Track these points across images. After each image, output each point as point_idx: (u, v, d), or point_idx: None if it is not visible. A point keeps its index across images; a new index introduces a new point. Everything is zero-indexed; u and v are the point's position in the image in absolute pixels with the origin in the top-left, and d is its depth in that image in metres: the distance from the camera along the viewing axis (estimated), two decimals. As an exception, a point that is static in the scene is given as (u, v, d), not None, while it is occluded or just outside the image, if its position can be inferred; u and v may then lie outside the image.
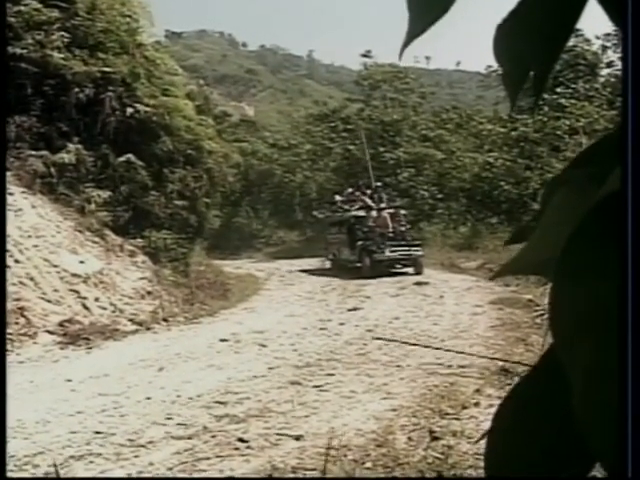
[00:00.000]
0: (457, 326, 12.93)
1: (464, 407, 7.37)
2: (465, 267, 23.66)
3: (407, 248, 23.46)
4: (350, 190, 28.47)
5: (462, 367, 9.43)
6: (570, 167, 0.83)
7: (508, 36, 0.87)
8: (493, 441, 0.82)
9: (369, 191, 27.91)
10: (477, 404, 7.49)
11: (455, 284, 19.27)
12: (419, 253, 23.53)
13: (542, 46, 0.84)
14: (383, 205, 26.37)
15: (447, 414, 7.14)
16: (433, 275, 20.86)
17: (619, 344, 0.65)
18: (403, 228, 24.91)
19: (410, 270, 23.28)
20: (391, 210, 25.78)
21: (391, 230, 24.39)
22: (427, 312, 14.85)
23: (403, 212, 26.98)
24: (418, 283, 19.78)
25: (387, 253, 23.25)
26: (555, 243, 0.69)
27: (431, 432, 6.48)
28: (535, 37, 0.83)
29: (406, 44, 0.93)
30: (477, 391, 8.02)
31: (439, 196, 32.87)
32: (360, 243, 24.19)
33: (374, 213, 25.17)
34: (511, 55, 0.89)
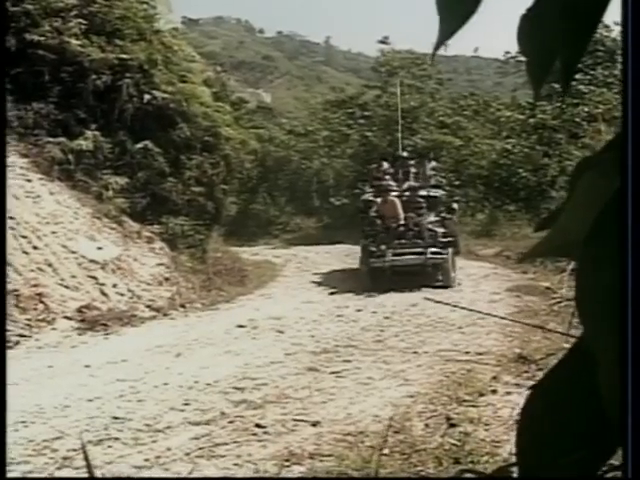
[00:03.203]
0: (474, 313, 12.89)
1: (481, 394, 7.37)
2: (482, 254, 23.52)
3: (421, 250, 16.76)
4: (385, 165, 21.36)
5: (479, 354, 9.43)
6: (601, 152, 0.82)
7: (533, 25, 0.87)
8: (524, 427, 0.82)
9: (391, 165, 21.58)
10: (494, 391, 7.48)
11: (472, 271, 19.20)
12: (442, 257, 16.73)
13: (569, 35, 0.83)
14: (409, 185, 19.56)
15: (464, 401, 7.14)
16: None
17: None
18: (425, 220, 17.64)
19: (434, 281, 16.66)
20: (407, 193, 18.67)
21: (402, 223, 17.55)
22: (444, 299, 14.79)
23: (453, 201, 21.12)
24: None
25: (388, 257, 16.76)
26: (582, 226, 0.69)
27: (448, 419, 6.49)
28: (562, 26, 0.82)
29: (438, 46, 0.93)
30: (494, 378, 8.02)
31: (456, 183, 32.67)
32: (361, 242, 18.67)
33: (380, 198, 18.41)
34: (536, 44, 0.88)
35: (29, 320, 11.46)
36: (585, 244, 0.68)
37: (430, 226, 17.72)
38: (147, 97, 16.96)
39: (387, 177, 20.25)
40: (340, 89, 48.03)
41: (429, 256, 16.77)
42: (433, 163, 23.26)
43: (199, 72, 20.76)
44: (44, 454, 5.96)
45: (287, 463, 5.64)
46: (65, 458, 5.83)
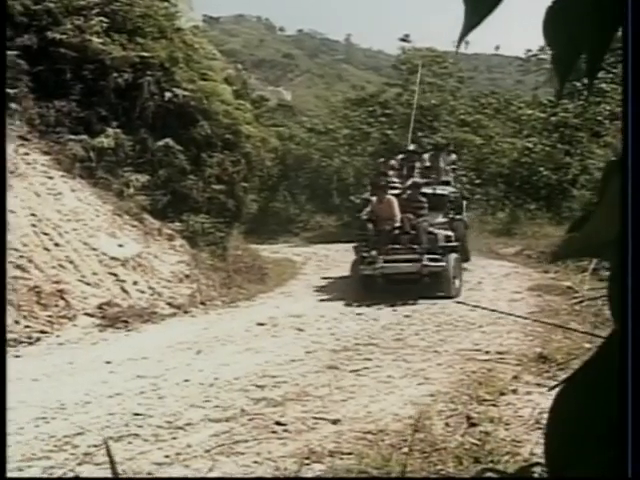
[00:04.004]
0: (495, 312, 12.85)
1: (502, 394, 7.34)
2: (503, 253, 23.45)
3: (416, 257, 14.96)
4: (392, 161, 19.86)
5: (500, 353, 9.39)
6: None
7: (559, 18, 0.86)
8: (552, 426, 0.81)
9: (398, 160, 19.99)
10: (515, 391, 7.45)
11: (493, 270, 19.14)
12: (440, 264, 14.89)
13: (595, 29, 0.82)
14: (413, 181, 17.56)
15: (484, 400, 7.11)
16: (471, 261, 20.69)
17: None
18: (424, 221, 15.62)
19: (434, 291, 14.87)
20: (409, 191, 16.70)
21: (397, 225, 15.65)
22: (465, 298, 14.76)
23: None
24: None
25: (379, 265, 14.94)
26: (613, 227, 0.68)
27: (468, 418, 6.46)
28: (587, 19, 0.81)
29: (463, 36, 0.92)
30: (515, 378, 7.98)
31: (477, 181, 32.54)
32: (354, 245, 16.85)
33: (375, 197, 16.43)
34: (562, 37, 0.87)
35: (50, 316, 11.52)
36: (616, 245, 0.66)
37: (432, 229, 15.63)
38: (168, 95, 16.99)
39: (391, 173, 18.67)
40: (361, 87, 47.94)
41: (425, 263, 14.84)
42: (453, 156, 21.95)
43: (220, 70, 20.80)
44: (65, 450, 5.99)
45: (307, 461, 5.63)
46: (86, 454, 5.85)
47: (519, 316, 11.15)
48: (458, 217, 17.34)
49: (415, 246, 15.23)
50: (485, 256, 22.40)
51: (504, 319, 11.91)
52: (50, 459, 5.78)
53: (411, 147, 21.11)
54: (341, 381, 8.24)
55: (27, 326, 10.98)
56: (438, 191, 17.21)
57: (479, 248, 23.25)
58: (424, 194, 16.54)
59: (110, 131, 15.89)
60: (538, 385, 7.61)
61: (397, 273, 15.01)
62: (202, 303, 14.07)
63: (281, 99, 60.33)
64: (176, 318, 13.07)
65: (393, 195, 16.40)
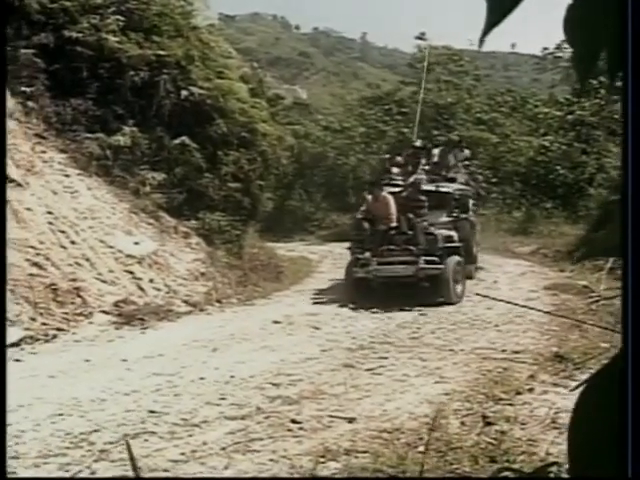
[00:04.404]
0: (511, 311, 12.80)
1: (518, 393, 7.32)
2: (519, 252, 23.40)
3: (412, 259, 14.08)
4: (399, 158, 19.33)
5: (516, 352, 9.37)
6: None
7: (580, 16, 0.85)
8: (575, 426, 0.80)
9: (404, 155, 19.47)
10: (531, 390, 7.43)
11: (509, 269, 19.09)
12: (439, 267, 14.01)
13: (616, 27, 0.81)
14: (416, 178, 16.72)
15: (500, 399, 7.09)
16: (487, 260, 20.61)
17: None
18: (422, 221, 14.75)
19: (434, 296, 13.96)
20: (409, 189, 15.84)
21: (394, 225, 14.84)
22: (481, 297, 14.75)
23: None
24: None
25: (372, 267, 14.16)
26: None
27: (484, 417, 6.45)
28: (609, 17, 0.81)
29: (485, 33, 0.92)
30: (531, 377, 7.96)
31: (493, 180, 32.47)
32: (349, 246, 15.90)
33: (371, 196, 15.76)
34: (583, 36, 0.87)
35: (66, 314, 11.55)
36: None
37: (433, 229, 14.66)
38: (184, 93, 17.03)
39: (395, 170, 18.12)
40: (376, 85, 48.01)
41: (422, 266, 13.94)
42: (466, 152, 21.16)
43: (236, 68, 20.84)
44: (81, 447, 6.00)
45: (323, 459, 5.63)
46: (102, 451, 5.86)
47: (540, 310, 11.10)
48: (463, 216, 16.11)
49: (412, 247, 14.30)
50: (501, 255, 22.35)
51: (520, 318, 11.89)
52: (66, 456, 5.79)
53: (417, 143, 20.43)
54: (357, 379, 8.23)
55: (44, 323, 11.02)
56: (442, 188, 16.36)
57: (495, 247, 23.19)
58: (427, 192, 15.68)
59: (126, 129, 15.94)
60: (554, 384, 7.58)
61: (392, 276, 14.15)
62: (218, 301, 14.10)
63: (297, 97, 60.37)
64: (192, 316, 13.09)
65: (393, 193, 15.63)
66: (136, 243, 14.29)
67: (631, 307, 0.61)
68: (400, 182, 16.69)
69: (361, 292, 14.34)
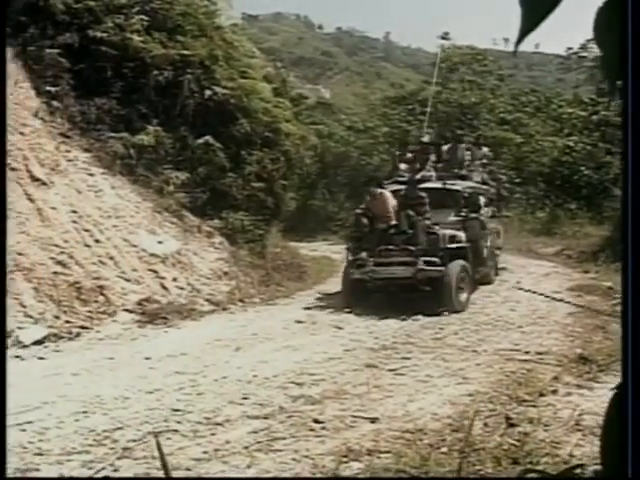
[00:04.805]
0: (535, 312, 12.75)
1: (541, 394, 7.27)
2: (543, 253, 23.27)
3: (411, 259, 13.21)
4: (409, 154, 18.47)
5: (539, 354, 9.32)
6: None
7: (610, 19, 0.84)
8: (608, 428, 0.79)
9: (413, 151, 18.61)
10: (555, 392, 7.38)
11: (532, 270, 18.99)
12: (439, 269, 13.12)
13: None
14: (422, 176, 16.03)
15: (524, 401, 7.05)
16: (510, 260, 20.50)
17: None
18: (423, 220, 13.77)
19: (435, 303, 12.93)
20: (408, 186, 15.04)
21: (393, 223, 14.12)
22: (504, 297, 14.68)
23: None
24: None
25: (368, 268, 13.38)
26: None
27: (507, 418, 6.41)
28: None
29: (520, 40, 0.91)
30: (555, 378, 7.91)
31: (517, 180, 32.34)
32: (346, 246, 15.34)
33: (370, 194, 14.86)
34: (612, 38, 0.85)
35: (90, 312, 11.61)
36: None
37: (437, 228, 13.76)
38: (208, 93, 17.07)
39: (402, 166, 17.27)
40: (399, 85, 47.97)
41: (421, 267, 13.05)
42: (484, 149, 20.52)
43: (259, 68, 20.87)
44: (104, 444, 6.02)
45: (345, 459, 5.61)
46: (125, 449, 5.88)
47: (576, 305, 11.04)
48: (473, 216, 14.71)
49: (410, 247, 13.42)
50: (524, 255, 22.24)
51: (544, 319, 11.84)
52: (89, 453, 5.82)
53: (424, 138, 19.76)
54: (379, 380, 8.22)
55: (67, 321, 11.08)
56: (450, 186, 15.34)
57: (519, 247, 23.08)
58: (434, 189, 14.86)
59: (150, 129, 15.99)
60: (578, 386, 7.53)
61: (390, 278, 13.31)
62: (241, 300, 14.12)
63: (320, 97, 60.44)
64: (215, 315, 13.12)
65: (395, 190, 14.90)
66: (160, 242, 14.34)
67: (631, 307, 0.60)
68: (400, 179, 16.06)
69: (357, 295, 13.66)
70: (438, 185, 15.29)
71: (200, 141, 16.63)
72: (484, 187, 17.45)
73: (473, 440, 5.83)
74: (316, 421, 6.57)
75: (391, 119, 37.41)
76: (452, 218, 14.59)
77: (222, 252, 15.80)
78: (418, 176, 15.92)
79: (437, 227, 13.79)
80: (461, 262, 13.49)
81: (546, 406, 6.86)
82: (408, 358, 9.35)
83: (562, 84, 45.30)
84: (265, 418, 6.71)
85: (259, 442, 6.01)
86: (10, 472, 5.40)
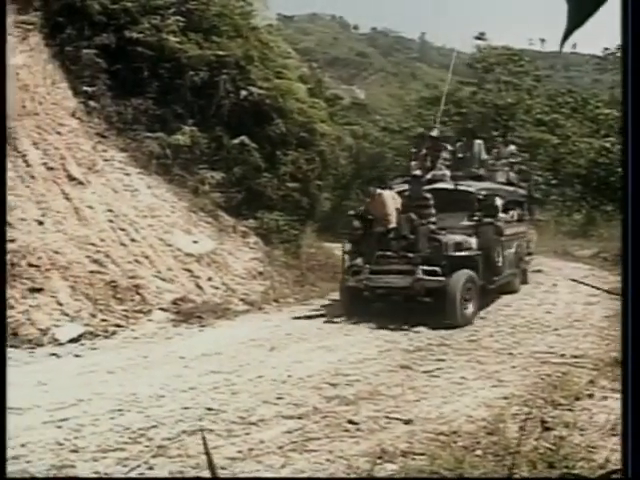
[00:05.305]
0: (571, 315, 12.67)
1: (577, 398, 7.20)
2: (579, 255, 23.09)
3: (409, 267, 12.17)
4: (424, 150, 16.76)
5: (575, 357, 9.24)
6: None
7: None
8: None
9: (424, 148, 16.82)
10: (591, 396, 7.31)
11: (568, 272, 18.81)
12: (439, 279, 11.99)
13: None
14: (433, 174, 14.83)
15: (559, 405, 6.99)
16: (546, 263, 20.35)
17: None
18: (427, 224, 12.69)
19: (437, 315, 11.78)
20: (411, 186, 13.82)
21: (392, 227, 12.95)
22: (540, 300, 14.59)
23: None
24: (530, 270, 18.61)
25: (364, 275, 12.47)
26: None
27: (543, 422, 6.35)
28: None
29: (567, 36, 0.89)
30: (591, 382, 7.83)
31: (553, 182, 32.14)
32: (344, 250, 13.88)
33: (369, 194, 13.86)
34: None
35: (126, 311, 11.68)
36: None
37: (443, 234, 12.63)
38: (243, 93, 17.11)
39: (413, 164, 16.13)
40: (434, 86, 47.76)
41: (419, 277, 12.01)
42: (511, 147, 19.47)
43: (294, 68, 20.91)
44: (139, 442, 6.05)
45: (379, 460, 5.59)
46: (160, 447, 5.90)
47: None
48: (487, 220, 13.20)
49: (409, 254, 12.39)
50: (560, 258, 22.07)
51: (580, 322, 11.75)
52: (124, 451, 5.84)
53: (434, 133, 17.81)
54: (414, 381, 8.19)
55: (103, 320, 11.16)
56: (462, 187, 13.86)
57: (554, 249, 22.91)
58: (445, 190, 13.71)
59: (186, 129, 16.06)
60: (614, 390, 7.45)
61: (386, 287, 12.42)
62: (275, 300, 14.14)
63: (355, 98, 60.40)
64: (249, 315, 13.14)
65: (400, 191, 13.78)
66: (195, 242, 14.39)
67: (631, 308, 0.58)
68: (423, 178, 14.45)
69: (354, 304, 12.83)
70: (449, 186, 13.98)
71: (235, 141, 16.68)
72: (508, 188, 16.28)
73: (508, 443, 5.79)
74: (350, 422, 6.56)
75: (426, 120, 37.24)
76: (465, 222, 13.32)
77: (257, 252, 15.83)
78: (429, 175, 14.73)
79: (444, 232, 12.68)
80: (468, 272, 12.20)
81: (582, 410, 6.79)
82: (443, 360, 9.31)
83: (599, 85, 44.89)
84: (299, 418, 6.70)
85: (293, 442, 6.01)
86: (45, 468, 5.46)
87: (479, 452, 5.69)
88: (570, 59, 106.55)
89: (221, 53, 17.03)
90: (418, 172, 14.71)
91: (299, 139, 18.30)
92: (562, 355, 9.39)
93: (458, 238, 12.64)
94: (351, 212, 14.27)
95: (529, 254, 17.34)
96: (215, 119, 16.80)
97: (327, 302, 14.72)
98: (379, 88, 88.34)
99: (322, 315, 13.20)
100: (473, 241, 12.78)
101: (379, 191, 13.45)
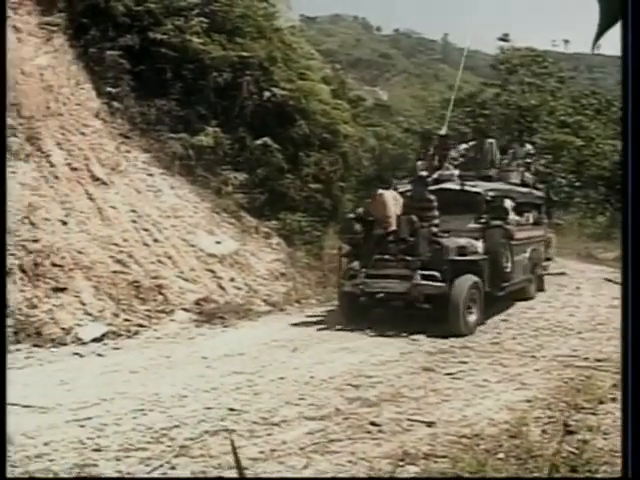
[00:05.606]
0: (594, 318, 12.59)
1: (601, 402, 7.15)
2: (602, 258, 22.95)
3: (407, 272, 11.54)
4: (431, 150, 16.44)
5: (599, 361, 9.18)
6: None
7: None
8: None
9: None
10: (614, 399, 7.25)
11: (592, 275, 18.72)
12: (439, 285, 11.35)
13: None
14: (440, 174, 14.25)
15: (583, 408, 6.94)
16: (569, 265, 20.26)
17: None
18: (429, 226, 12.02)
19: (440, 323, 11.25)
20: (413, 186, 13.15)
21: (392, 229, 12.33)
22: (563, 303, 14.52)
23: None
24: (553, 273, 18.21)
25: (359, 280, 11.85)
26: None
27: (566, 426, 6.31)
28: None
29: (599, 35, 0.89)
30: (614, 386, 7.76)
31: (577, 184, 31.98)
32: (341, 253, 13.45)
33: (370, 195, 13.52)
34: None
35: (148, 311, 11.73)
36: None
37: (445, 237, 11.97)
38: (267, 94, 17.14)
39: (419, 164, 15.73)
40: (458, 87, 47.64)
41: (416, 282, 11.37)
42: (528, 147, 18.71)
43: (317, 69, 20.91)
44: (162, 442, 6.06)
45: (401, 463, 5.58)
46: (182, 447, 5.91)
47: None
48: (495, 223, 12.51)
49: (408, 258, 11.73)
50: (584, 260, 21.96)
51: (604, 325, 11.68)
52: (147, 450, 5.86)
53: (443, 131, 17.52)
54: (436, 383, 8.17)
55: (126, 319, 11.20)
56: (469, 188, 13.21)
57: (578, 252, 22.79)
58: (451, 191, 13.14)
59: (209, 130, 16.09)
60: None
61: (383, 292, 11.88)
62: (297, 301, 14.13)
63: (377, 99, 60.32)
64: (272, 315, 13.14)
65: (402, 192, 13.19)
66: (217, 242, 14.42)
67: (631, 309, 0.58)
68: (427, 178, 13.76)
69: (352, 309, 12.34)
70: (455, 186, 13.33)
71: (258, 142, 16.71)
72: (522, 190, 15.58)
73: (531, 447, 5.76)
74: (373, 424, 6.55)
75: (449, 121, 37.17)
76: (472, 225, 12.62)
77: (279, 253, 15.84)
78: (435, 175, 14.13)
79: (447, 235, 12.02)
80: (472, 277, 11.54)
81: (605, 414, 6.74)
82: (465, 362, 9.28)
83: (623, 86, 44.51)
84: (321, 419, 6.70)
85: (316, 443, 6.00)
86: (67, 467, 5.49)
87: (501, 455, 5.66)
88: (594, 60, 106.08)
89: (244, 54, 17.06)
90: (424, 172, 14.22)
91: (322, 140, 18.31)
92: (585, 358, 9.33)
93: (462, 241, 11.99)
94: (350, 215, 13.65)
95: (547, 259, 16.69)
96: (238, 120, 16.83)
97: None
98: (402, 89, 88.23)
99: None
100: (479, 245, 12.15)
101: (380, 191, 12.98)
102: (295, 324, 12.36)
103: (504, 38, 42.23)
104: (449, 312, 11.08)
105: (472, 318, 11.46)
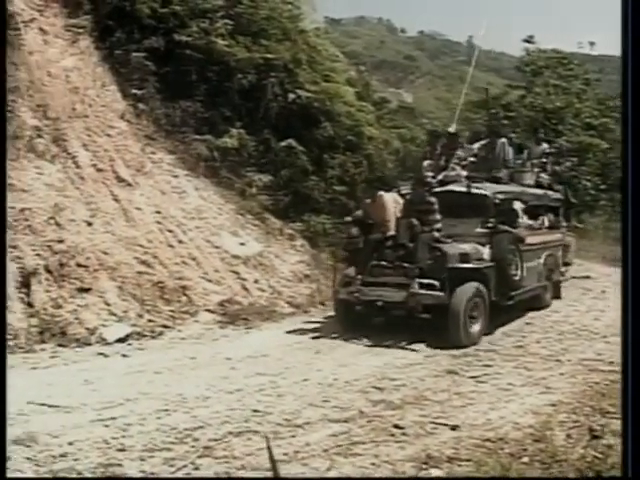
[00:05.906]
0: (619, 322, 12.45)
1: (626, 407, 7.09)
2: (628, 261, 22.69)
3: (404, 280, 10.83)
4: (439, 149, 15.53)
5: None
6: None
7: None
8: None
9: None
10: (640, 404, 7.19)
11: (618, 278, 18.45)
12: (438, 294, 10.60)
13: None
14: (445, 175, 13.53)
15: (608, 413, 6.89)
16: (594, 269, 20.09)
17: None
18: (430, 231, 11.32)
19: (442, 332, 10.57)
20: (415, 188, 12.37)
21: (390, 234, 11.81)
22: (588, 306, 14.40)
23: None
24: (578, 276, 18.11)
25: (355, 287, 11.21)
26: None
27: (591, 430, 6.26)
28: None
29: None
30: (640, 390, 7.70)
31: (602, 187, 31.71)
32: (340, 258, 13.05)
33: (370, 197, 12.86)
34: None
35: (173, 312, 11.76)
36: None
37: (449, 242, 11.29)
38: (291, 96, 17.18)
39: (425, 163, 14.88)
40: (483, 89, 47.44)
41: (414, 291, 10.64)
42: (544, 146, 17.63)
43: (342, 71, 20.92)
44: (186, 442, 6.08)
45: (425, 466, 5.57)
46: (206, 447, 5.93)
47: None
48: (503, 228, 11.73)
49: (406, 265, 11.01)
50: (609, 264, 21.75)
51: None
52: (171, 451, 5.88)
53: (451, 128, 16.79)
54: (460, 387, 8.14)
55: (150, 320, 11.24)
56: (475, 190, 12.26)
57: (603, 255, 22.59)
58: (456, 193, 12.28)
59: (234, 131, 16.14)
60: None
61: (379, 301, 11.03)
62: (321, 303, 14.09)
63: (402, 101, 60.11)
64: (295, 317, 13.13)
65: (403, 194, 12.68)
66: (242, 244, 14.44)
67: (631, 309, 0.57)
68: (429, 179, 12.91)
69: (348, 318, 11.71)
70: (461, 188, 12.40)
71: (283, 144, 16.74)
72: (535, 192, 14.86)
73: (555, 451, 5.72)
74: (396, 426, 6.54)
75: (474, 124, 37.02)
76: (479, 229, 11.92)
77: (303, 255, 15.82)
78: (440, 176, 13.38)
79: (449, 240, 11.34)
80: (475, 285, 10.84)
81: (632, 418, 6.70)
82: (490, 366, 9.24)
83: (650, 89, 44.20)
84: (345, 422, 6.70)
85: (339, 445, 6.00)
86: (92, 467, 5.51)
87: (526, 459, 5.64)
88: (620, 63, 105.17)
89: (269, 56, 17.11)
90: (429, 173, 13.51)
91: (346, 142, 18.31)
92: (611, 363, 9.24)
93: (466, 248, 11.28)
94: (347, 218, 12.93)
95: (565, 264, 15.91)
96: (263, 122, 16.88)
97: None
98: (426, 91, 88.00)
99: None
100: (485, 251, 11.49)
101: (380, 193, 12.53)
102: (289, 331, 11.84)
103: (529, 40, 41.94)
104: (449, 322, 10.47)
105: (475, 328, 10.82)
